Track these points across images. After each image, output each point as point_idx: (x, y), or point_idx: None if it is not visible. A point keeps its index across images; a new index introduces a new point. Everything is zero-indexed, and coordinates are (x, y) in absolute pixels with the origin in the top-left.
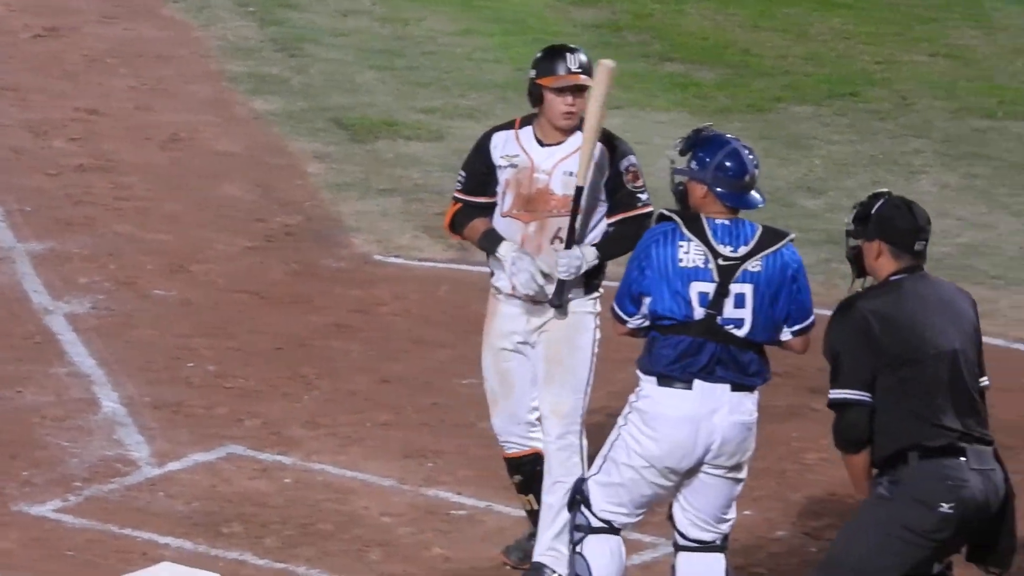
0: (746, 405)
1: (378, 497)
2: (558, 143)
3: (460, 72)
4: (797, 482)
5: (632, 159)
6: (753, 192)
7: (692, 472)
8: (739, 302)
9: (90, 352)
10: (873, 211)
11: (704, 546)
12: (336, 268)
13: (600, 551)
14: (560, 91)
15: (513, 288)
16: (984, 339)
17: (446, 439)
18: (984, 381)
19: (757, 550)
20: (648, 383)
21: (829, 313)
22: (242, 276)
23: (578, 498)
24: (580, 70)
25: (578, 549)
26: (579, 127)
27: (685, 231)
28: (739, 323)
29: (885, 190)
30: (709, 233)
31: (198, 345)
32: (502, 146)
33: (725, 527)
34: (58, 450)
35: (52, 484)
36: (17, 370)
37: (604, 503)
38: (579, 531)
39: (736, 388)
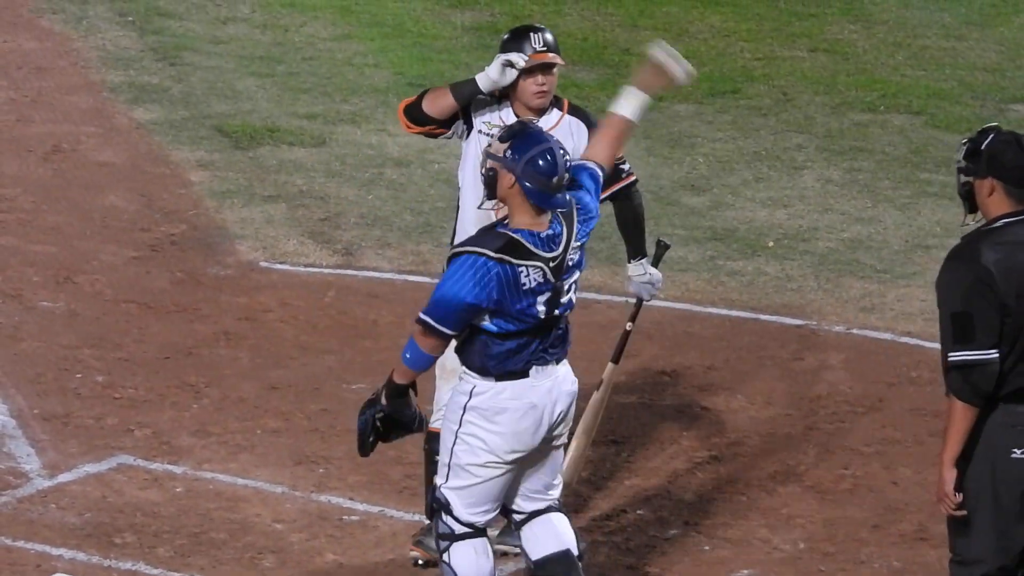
0: (571, 375)
1: (270, 504)
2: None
3: (341, 77)
4: (688, 480)
5: None
6: (560, 195)
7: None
8: (570, 288)
9: None
10: (983, 147)
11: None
12: (222, 276)
13: (467, 557)
14: (529, 72)
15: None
16: (871, 334)
17: (336, 445)
18: None
19: (650, 550)
20: (483, 381)
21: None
22: (128, 286)
23: (435, 506)
24: (545, 48)
25: (445, 558)
26: (553, 104)
27: (515, 261)
28: (569, 305)
29: (994, 124)
30: (538, 250)
31: (86, 356)
32: (485, 112)
33: (555, 492)
34: None
35: None
36: None
37: (463, 509)
38: (444, 540)
39: (558, 362)
